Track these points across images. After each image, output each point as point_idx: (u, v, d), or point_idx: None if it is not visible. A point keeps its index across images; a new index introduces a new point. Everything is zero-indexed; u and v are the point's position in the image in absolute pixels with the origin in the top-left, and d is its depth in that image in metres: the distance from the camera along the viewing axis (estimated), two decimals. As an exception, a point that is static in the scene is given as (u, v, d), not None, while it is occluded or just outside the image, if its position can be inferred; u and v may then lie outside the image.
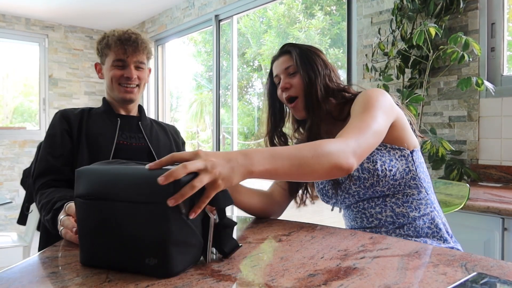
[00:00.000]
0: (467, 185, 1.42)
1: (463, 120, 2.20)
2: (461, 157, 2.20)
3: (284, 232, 0.99)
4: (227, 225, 0.74)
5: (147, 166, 0.67)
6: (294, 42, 1.28)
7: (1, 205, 2.79)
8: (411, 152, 1.10)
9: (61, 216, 0.97)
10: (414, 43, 2.10)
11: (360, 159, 0.91)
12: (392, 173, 1.05)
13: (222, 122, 5.25)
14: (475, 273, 0.64)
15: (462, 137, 2.21)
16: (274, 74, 1.24)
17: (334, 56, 9.45)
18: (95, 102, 5.13)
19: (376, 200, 1.09)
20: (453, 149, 2.17)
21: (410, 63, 2.31)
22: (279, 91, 1.22)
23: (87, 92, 5.19)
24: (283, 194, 1.23)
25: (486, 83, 1.95)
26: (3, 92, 5.32)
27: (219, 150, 4.05)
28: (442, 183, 1.63)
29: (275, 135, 1.26)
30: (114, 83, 1.41)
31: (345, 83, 1.25)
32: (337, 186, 1.14)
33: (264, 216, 1.18)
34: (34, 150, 1.57)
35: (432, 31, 2.03)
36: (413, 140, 1.12)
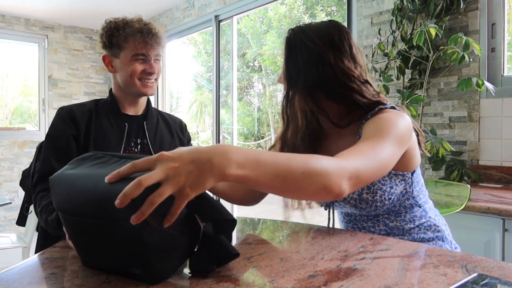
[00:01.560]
0: (468, 186, 1.42)
1: (464, 121, 2.20)
2: (462, 158, 2.20)
3: (284, 233, 0.99)
4: (221, 233, 0.69)
5: (106, 179, 0.60)
6: (295, 28, 1.08)
7: (0, 206, 2.79)
8: (412, 174, 1.03)
9: None
10: (414, 44, 2.10)
11: (354, 187, 0.79)
12: (390, 200, 1.01)
13: (222, 122, 5.24)
14: (475, 274, 0.63)
15: (462, 138, 2.21)
16: None
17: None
18: (95, 103, 5.12)
19: (368, 216, 1.07)
20: (454, 149, 2.16)
21: (410, 64, 2.31)
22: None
23: (86, 92, 5.18)
24: None
25: (487, 83, 1.95)
26: (3, 92, 5.33)
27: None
28: (443, 184, 1.63)
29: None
30: (134, 78, 1.33)
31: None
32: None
33: (243, 205, 1.14)
34: (34, 151, 1.56)
35: (432, 32, 2.03)
36: (417, 160, 1.04)
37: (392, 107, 1.00)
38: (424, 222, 1.06)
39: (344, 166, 0.76)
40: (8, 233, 3.33)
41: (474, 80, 1.93)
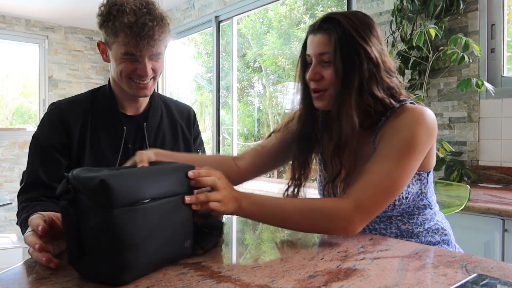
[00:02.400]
0: (468, 186, 1.42)
1: (463, 121, 2.20)
2: (461, 158, 2.20)
3: (284, 233, 0.99)
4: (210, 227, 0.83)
5: (190, 174, 0.78)
6: (336, 17, 0.96)
7: (0, 206, 2.79)
8: (427, 174, 1.01)
9: (27, 232, 0.76)
10: (414, 44, 2.10)
11: (366, 222, 0.88)
12: (407, 200, 0.98)
13: (222, 123, 5.24)
14: (475, 275, 0.64)
15: (462, 138, 2.21)
16: (307, 51, 1.00)
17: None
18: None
19: (381, 217, 1.03)
20: (453, 150, 2.16)
21: (410, 64, 2.31)
22: (307, 75, 1.00)
23: (87, 93, 5.18)
24: (252, 168, 1.14)
25: (486, 84, 1.95)
26: (3, 93, 5.33)
27: (218, 151, 4.05)
28: (442, 185, 1.63)
29: (304, 137, 1.07)
30: (123, 77, 1.13)
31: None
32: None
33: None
34: (34, 151, 1.54)
35: (432, 32, 2.03)
36: (434, 159, 1.01)
37: (412, 103, 0.96)
38: (433, 225, 1.04)
39: (356, 212, 0.85)
40: (8, 234, 3.33)
41: (474, 80, 1.94)
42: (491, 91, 1.98)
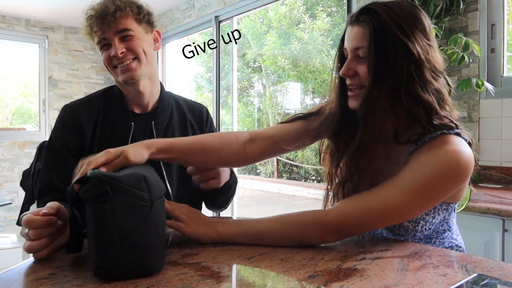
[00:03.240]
0: (468, 186, 1.42)
1: (463, 121, 2.20)
2: (461, 158, 2.19)
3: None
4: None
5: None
6: (375, 7, 0.86)
7: (0, 206, 2.80)
8: (456, 203, 0.93)
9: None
10: (414, 44, 2.10)
11: (346, 236, 0.86)
12: (430, 230, 0.91)
13: (222, 123, 5.25)
14: (475, 275, 0.64)
15: (462, 138, 2.21)
16: (344, 45, 0.92)
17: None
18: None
19: (398, 240, 0.95)
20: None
21: (410, 64, 2.31)
22: (341, 70, 0.91)
23: (87, 93, 5.18)
24: (258, 156, 1.05)
25: (486, 84, 1.95)
26: (3, 93, 5.33)
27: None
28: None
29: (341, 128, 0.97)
30: (109, 68, 1.17)
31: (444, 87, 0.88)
32: None
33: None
34: (34, 151, 1.54)
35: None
36: (463, 194, 0.92)
37: (457, 134, 0.85)
38: (447, 244, 0.97)
39: (329, 221, 0.83)
40: (8, 234, 3.33)
41: (474, 80, 1.94)
42: (491, 91, 1.98)
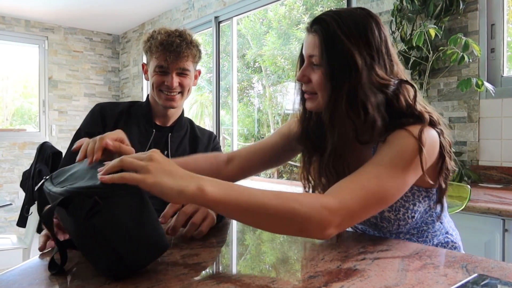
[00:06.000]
0: (468, 186, 1.42)
1: (463, 121, 2.20)
2: (462, 158, 2.20)
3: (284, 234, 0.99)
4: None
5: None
6: (325, 17, 0.90)
7: (0, 207, 2.79)
8: (437, 189, 0.94)
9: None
10: (414, 44, 2.10)
11: (347, 226, 0.76)
12: (414, 219, 0.92)
13: (222, 123, 5.24)
14: (476, 275, 0.63)
15: (462, 138, 2.21)
16: (302, 51, 0.96)
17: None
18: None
19: (389, 235, 0.98)
20: (454, 150, 2.16)
21: (410, 64, 2.31)
22: (297, 76, 0.96)
23: (87, 94, 5.19)
24: (241, 172, 1.10)
25: (486, 84, 1.95)
26: (3, 94, 5.33)
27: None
28: (443, 184, 1.62)
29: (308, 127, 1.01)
30: (155, 89, 1.36)
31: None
32: None
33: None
34: (34, 152, 1.55)
35: (432, 32, 2.03)
36: (441, 179, 0.92)
37: (419, 120, 0.87)
38: (442, 240, 0.99)
39: (336, 210, 0.72)
40: (8, 234, 3.33)
41: (474, 80, 1.94)
42: (491, 91, 1.98)
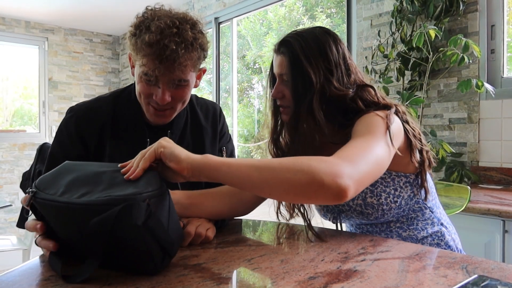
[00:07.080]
0: (468, 187, 1.42)
1: (463, 122, 2.20)
2: (462, 159, 2.20)
3: (284, 235, 0.99)
4: None
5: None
6: (289, 39, 1.01)
7: (0, 208, 2.79)
8: (416, 176, 0.99)
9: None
10: (414, 45, 2.10)
11: (359, 186, 0.74)
12: (397, 204, 0.97)
13: (222, 124, 5.25)
14: (476, 276, 0.63)
15: (462, 139, 2.21)
16: (273, 70, 1.07)
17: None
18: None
19: (380, 226, 1.03)
20: (453, 151, 2.16)
21: (410, 65, 2.32)
22: (272, 93, 1.05)
23: (87, 95, 5.19)
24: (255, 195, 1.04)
25: (486, 85, 1.95)
26: (3, 95, 5.33)
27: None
28: (443, 186, 1.63)
29: (280, 137, 1.09)
30: (141, 99, 1.04)
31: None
32: (339, 211, 1.06)
33: (230, 218, 1.07)
34: (34, 153, 1.54)
35: (432, 33, 2.04)
36: (414, 163, 0.98)
37: (386, 108, 0.96)
38: (437, 231, 1.02)
39: (340, 164, 0.72)
40: (8, 236, 3.33)
41: (474, 81, 1.94)
42: (491, 92, 1.98)
